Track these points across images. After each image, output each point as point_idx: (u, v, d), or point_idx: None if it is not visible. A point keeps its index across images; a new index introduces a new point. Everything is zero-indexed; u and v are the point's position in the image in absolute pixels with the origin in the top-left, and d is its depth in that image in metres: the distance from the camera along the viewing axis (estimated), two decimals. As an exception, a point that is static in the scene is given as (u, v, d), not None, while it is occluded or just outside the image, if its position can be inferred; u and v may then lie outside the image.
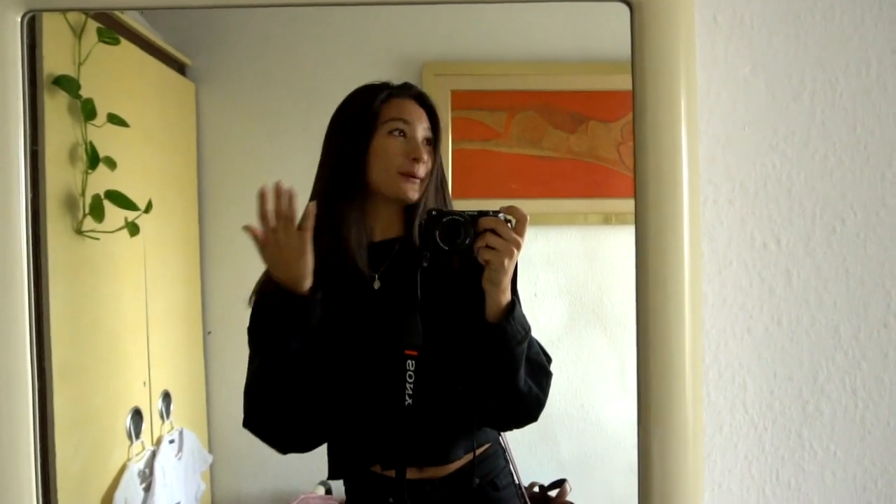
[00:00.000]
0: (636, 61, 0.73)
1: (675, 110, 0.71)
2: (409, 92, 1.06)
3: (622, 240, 1.47)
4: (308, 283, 0.96)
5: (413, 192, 1.02)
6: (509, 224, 0.93)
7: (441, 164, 1.07)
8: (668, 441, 0.71)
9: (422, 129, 1.04)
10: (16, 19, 0.72)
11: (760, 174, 0.75)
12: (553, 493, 1.15)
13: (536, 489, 1.16)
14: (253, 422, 1.05)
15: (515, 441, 1.10)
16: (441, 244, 0.94)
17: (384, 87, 1.05)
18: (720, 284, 0.75)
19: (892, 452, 0.74)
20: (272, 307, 1.01)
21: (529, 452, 1.20)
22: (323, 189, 1.04)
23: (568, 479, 1.19)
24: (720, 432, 0.76)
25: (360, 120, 1.03)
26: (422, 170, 1.02)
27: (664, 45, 0.71)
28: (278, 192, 0.96)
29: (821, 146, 0.75)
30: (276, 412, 1.03)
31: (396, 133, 1.02)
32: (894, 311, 0.74)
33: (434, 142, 1.05)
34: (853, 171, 0.74)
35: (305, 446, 1.07)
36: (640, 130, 0.72)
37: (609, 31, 1.38)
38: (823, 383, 0.75)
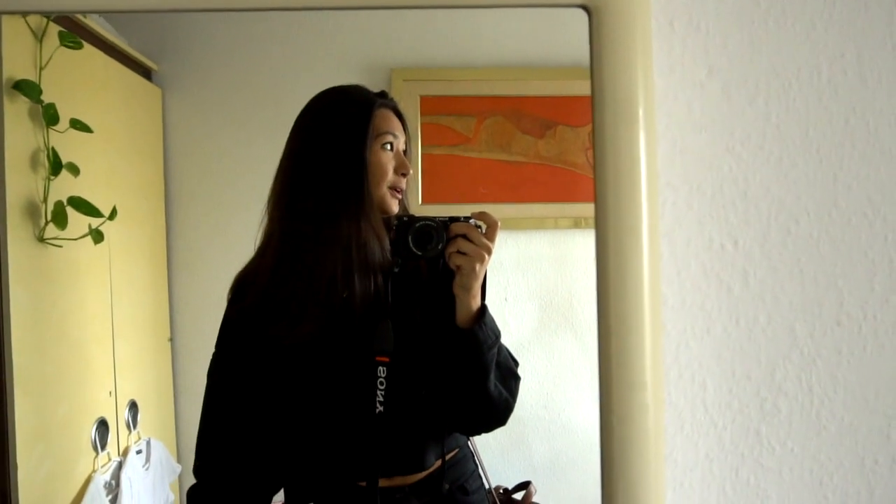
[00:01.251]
0: (594, 65, 0.74)
1: (633, 113, 0.72)
2: (391, 103, 1.05)
3: (592, 244, 1.48)
4: None
5: (396, 206, 1.02)
6: (480, 230, 0.93)
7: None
8: (629, 442, 0.72)
9: (402, 142, 1.04)
10: (-32, 22, 0.70)
11: (717, 177, 0.76)
12: (518, 495, 1.16)
13: (501, 492, 1.16)
14: (207, 468, 1.03)
15: (487, 445, 1.11)
16: (414, 249, 0.94)
17: (369, 94, 1.03)
18: (679, 286, 0.76)
19: (846, 447, 0.76)
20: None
21: (501, 456, 1.20)
22: (326, 197, 0.98)
23: (534, 481, 1.19)
24: (681, 432, 0.77)
25: (356, 130, 0.99)
26: (405, 183, 1.02)
27: (621, 49, 0.72)
28: None
29: (775, 149, 0.76)
30: (233, 454, 1.02)
31: (388, 147, 1.01)
32: (847, 309, 0.76)
33: (408, 152, 1.06)
34: (806, 173, 0.76)
35: (263, 497, 1.04)
36: (600, 133, 0.73)
37: (575, 37, 1.40)
38: (780, 381, 0.77)
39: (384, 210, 1.01)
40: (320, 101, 1.02)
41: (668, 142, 0.76)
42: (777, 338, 0.76)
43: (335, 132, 0.99)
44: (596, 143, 0.74)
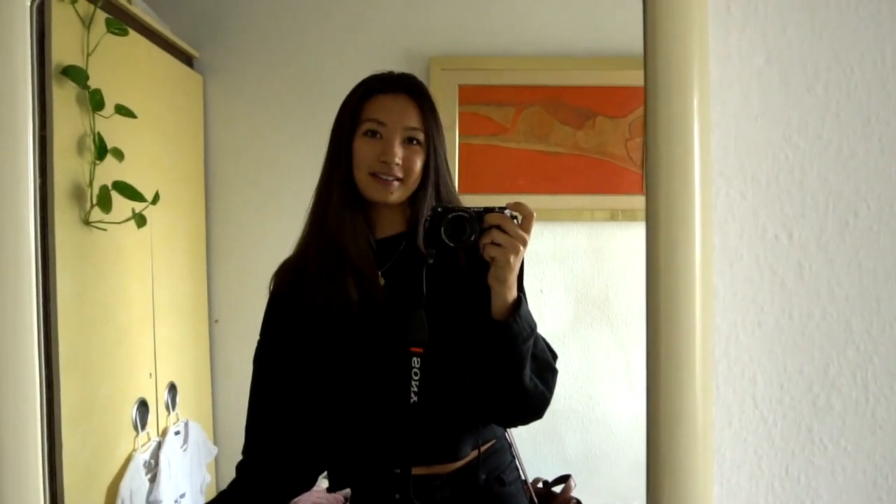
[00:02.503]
0: (648, 54, 0.72)
1: (687, 102, 0.71)
2: (396, 87, 1.02)
3: (629, 236, 1.47)
4: None
5: (386, 194, 1.00)
6: (515, 220, 0.92)
7: (438, 161, 1.03)
8: (677, 435, 0.71)
9: (402, 129, 1.00)
10: (25, 3, 0.71)
11: (773, 166, 0.74)
12: (557, 488, 1.15)
13: (541, 485, 1.16)
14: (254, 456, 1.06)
15: (520, 437, 1.10)
16: (446, 241, 0.93)
17: (370, 81, 1.03)
18: (731, 278, 0.75)
19: (903, 448, 0.74)
20: None
21: (534, 449, 1.19)
22: (321, 185, 1.04)
23: (566, 473, 1.18)
24: (729, 427, 0.75)
25: (343, 119, 1.02)
26: (396, 171, 0.99)
27: (677, 35, 0.71)
28: None
29: (834, 138, 0.74)
30: (279, 440, 1.04)
31: (369, 134, 1.00)
32: (907, 305, 0.74)
33: (427, 139, 1.02)
34: (867, 163, 0.74)
35: (308, 477, 1.08)
36: (652, 123, 0.72)
37: (618, 25, 1.38)
38: (834, 377, 0.75)
39: (371, 197, 1.01)
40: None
41: (722, 130, 0.74)
42: (832, 333, 0.74)
43: (336, 118, 1.04)
44: (648, 131, 0.72)
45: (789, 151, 0.74)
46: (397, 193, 1.00)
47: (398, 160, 0.99)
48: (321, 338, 1.01)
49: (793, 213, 0.74)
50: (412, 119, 1.01)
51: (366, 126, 1.00)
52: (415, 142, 1.01)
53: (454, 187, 1.07)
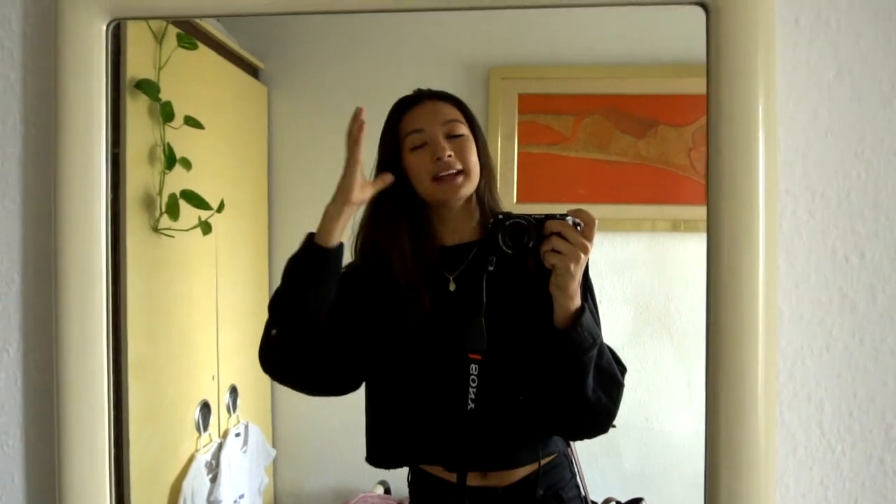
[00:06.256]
0: (711, 65, 0.70)
1: (752, 117, 0.68)
2: (423, 97, 1.06)
3: (691, 248, 1.43)
4: (336, 238, 1.01)
5: (454, 190, 1.01)
6: (577, 228, 0.91)
7: (487, 151, 1.06)
8: (737, 462, 0.69)
9: (441, 126, 1.03)
10: (101, 28, 0.75)
11: (844, 184, 0.71)
12: (630, 510, 1.12)
13: None
14: (273, 371, 1.13)
15: (578, 451, 1.08)
16: (504, 248, 0.93)
17: (399, 102, 1.07)
18: (797, 299, 0.72)
19: (985, 485, 0.69)
20: (294, 260, 1.07)
21: (590, 463, 1.17)
22: (372, 204, 1.06)
23: (624, 490, 1.16)
24: (794, 454, 0.72)
25: (386, 140, 1.05)
26: (453, 163, 1.01)
27: (742, 48, 0.69)
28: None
29: (911, 155, 0.70)
30: (295, 367, 1.09)
31: (416, 149, 1.02)
32: None
33: (471, 129, 1.04)
34: (946, 182, 0.70)
35: (337, 389, 1.10)
36: (714, 138, 0.70)
37: (680, 33, 1.34)
38: (909, 407, 0.71)
39: (439, 200, 1.02)
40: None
41: (789, 146, 0.71)
42: (907, 360, 0.71)
43: (379, 147, 1.06)
44: (710, 146, 0.70)
45: (861, 169, 0.70)
46: (465, 187, 1.02)
47: (449, 153, 1.00)
48: (388, 340, 1.03)
49: (865, 234, 0.71)
50: (447, 114, 1.04)
51: (409, 142, 1.03)
52: (459, 136, 1.03)
53: (495, 184, 1.10)
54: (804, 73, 0.71)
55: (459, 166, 1.01)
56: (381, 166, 1.05)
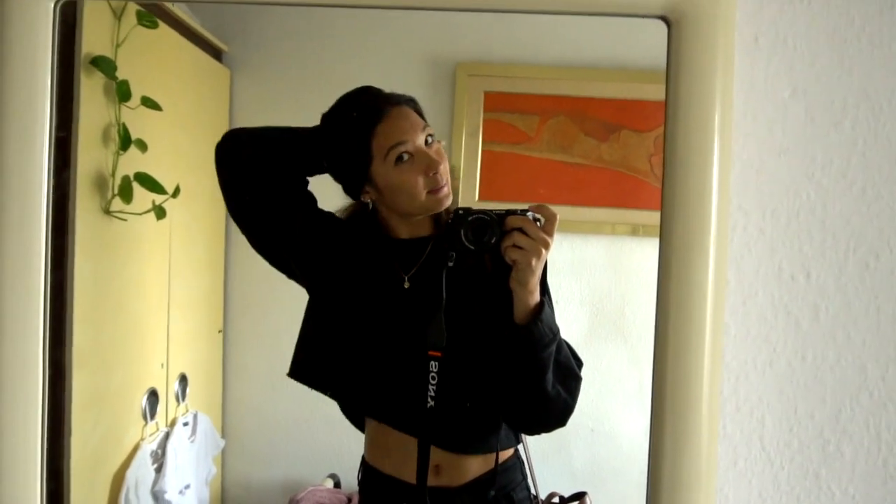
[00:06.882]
0: (671, 78, 0.71)
1: (707, 132, 0.69)
2: (391, 102, 1.01)
3: (649, 252, 1.43)
4: None
5: (445, 201, 0.99)
6: (538, 223, 0.91)
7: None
8: (679, 471, 0.70)
9: (421, 136, 0.99)
10: (49, 5, 0.72)
11: (794, 203, 0.72)
12: (571, 505, 1.14)
13: (556, 500, 1.14)
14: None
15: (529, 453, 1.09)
16: (467, 243, 0.92)
17: (364, 111, 1.00)
18: (744, 315, 0.73)
19: (913, 502, 0.71)
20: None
21: (542, 462, 1.18)
22: None
23: (573, 488, 1.17)
24: (734, 467, 0.73)
25: (353, 152, 0.99)
26: (444, 174, 0.99)
27: (701, 63, 0.69)
28: None
29: (859, 178, 0.72)
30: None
31: (400, 159, 0.97)
32: (926, 354, 0.71)
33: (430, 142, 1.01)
34: (892, 205, 0.71)
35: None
36: (671, 151, 0.70)
37: (646, 40, 1.35)
38: (846, 423, 0.73)
39: (429, 212, 1.00)
40: (332, 119, 1.04)
41: (743, 163, 0.72)
42: (846, 377, 0.72)
43: (339, 147, 1.01)
44: (666, 160, 0.71)
45: (811, 189, 0.72)
46: (451, 195, 1.00)
47: (442, 164, 0.98)
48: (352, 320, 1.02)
49: (812, 253, 0.72)
50: (419, 121, 1.00)
51: (391, 155, 0.97)
52: (434, 143, 1.00)
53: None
54: (761, 90, 0.72)
55: (447, 176, 0.99)
56: (352, 180, 1.02)
